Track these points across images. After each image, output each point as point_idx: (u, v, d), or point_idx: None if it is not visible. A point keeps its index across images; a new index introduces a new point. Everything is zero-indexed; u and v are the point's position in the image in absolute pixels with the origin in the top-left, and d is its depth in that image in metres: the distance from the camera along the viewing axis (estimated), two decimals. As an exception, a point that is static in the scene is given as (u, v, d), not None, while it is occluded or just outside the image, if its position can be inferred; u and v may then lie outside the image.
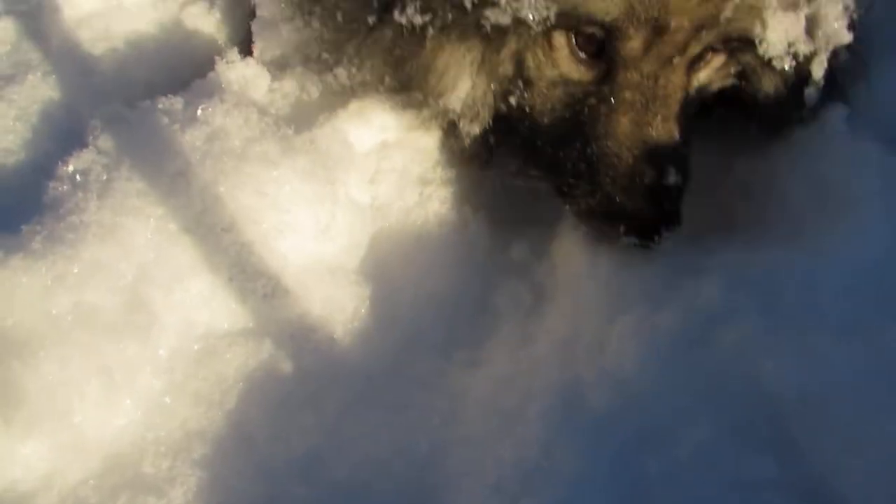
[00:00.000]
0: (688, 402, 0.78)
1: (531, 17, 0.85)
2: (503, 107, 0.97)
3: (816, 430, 0.72)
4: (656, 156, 0.89)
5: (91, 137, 0.89)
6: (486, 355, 0.94)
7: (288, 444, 0.81)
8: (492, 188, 1.10)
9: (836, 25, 0.90)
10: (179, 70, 1.12)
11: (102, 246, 0.79)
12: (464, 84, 0.94)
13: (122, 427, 0.78)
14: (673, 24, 0.84)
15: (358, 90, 1.02)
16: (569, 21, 0.87)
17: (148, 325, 0.80)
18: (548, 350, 0.91)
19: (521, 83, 0.94)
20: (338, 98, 1.05)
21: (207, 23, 1.19)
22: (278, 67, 1.09)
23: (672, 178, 0.89)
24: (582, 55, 0.90)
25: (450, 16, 0.88)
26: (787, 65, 0.91)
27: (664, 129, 0.90)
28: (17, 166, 1.04)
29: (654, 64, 0.88)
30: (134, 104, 0.96)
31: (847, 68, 0.99)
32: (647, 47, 0.86)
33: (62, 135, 1.01)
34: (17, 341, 0.74)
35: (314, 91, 1.06)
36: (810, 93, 0.96)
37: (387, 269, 1.00)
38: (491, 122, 0.99)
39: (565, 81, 0.93)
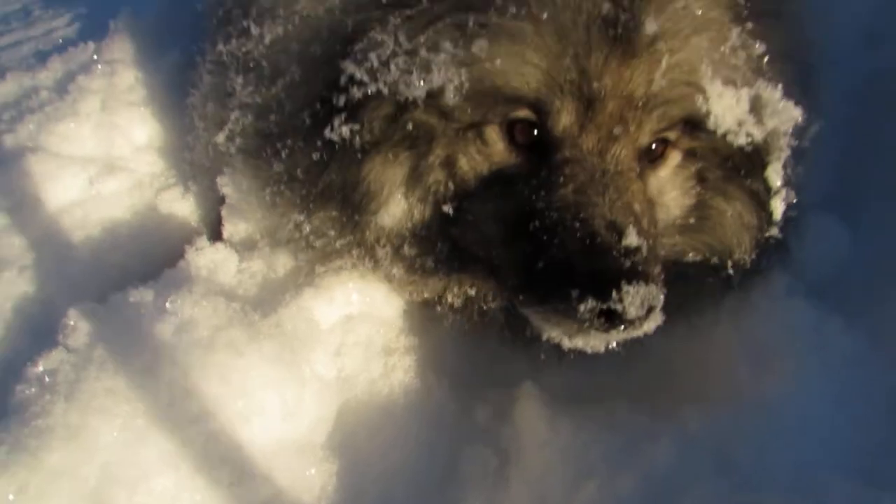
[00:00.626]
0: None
1: (458, 116, 0.87)
2: (437, 218, 0.96)
3: None
4: (612, 221, 0.85)
5: (62, 336, 0.93)
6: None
7: None
8: (454, 351, 1.15)
9: (780, 106, 0.90)
10: (153, 255, 1.18)
11: (66, 451, 0.80)
12: (395, 200, 0.95)
13: None
14: (600, 91, 0.85)
15: (316, 245, 1.06)
16: (496, 111, 0.88)
17: (111, 529, 0.79)
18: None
19: (452, 186, 0.94)
20: (303, 274, 1.11)
21: (181, 208, 1.26)
22: (246, 248, 1.16)
23: (632, 239, 0.83)
24: (518, 143, 0.91)
25: (375, 125, 0.90)
26: (744, 142, 0.91)
27: (620, 202, 0.86)
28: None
29: (594, 139, 0.88)
30: (106, 297, 1.00)
31: (789, 228, 1.03)
32: (582, 123, 0.87)
33: (35, 330, 1.04)
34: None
35: (280, 269, 1.12)
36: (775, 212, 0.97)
37: (354, 443, 1.01)
38: (428, 236, 0.98)
39: (501, 174, 0.92)
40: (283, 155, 1.01)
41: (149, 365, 0.88)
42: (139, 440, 0.84)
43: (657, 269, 0.84)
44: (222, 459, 0.89)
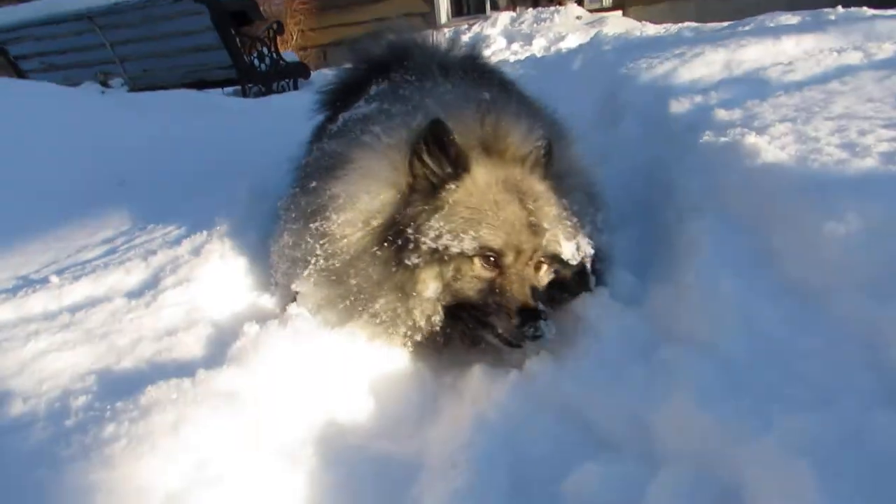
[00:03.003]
0: None
1: (464, 251, 1.86)
2: (448, 296, 1.93)
3: None
4: (529, 299, 1.88)
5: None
6: None
7: None
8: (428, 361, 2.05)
9: (587, 248, 1.98)
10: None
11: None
12: (433, 284, 1.91)
13: None
14: (525, 248, 1.89)
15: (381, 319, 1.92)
16: (481, 251, 1.87)
17: None
18: None
19: (457, 281, 1.91)
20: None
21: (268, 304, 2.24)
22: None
23: (538, 304, 1.87)
24: (488, 265, 1.91)
25: (426, 255, 1.87)
26: (575, 262, 1.96)
27: (531, 291, 1.91)
28: None
29: (520, 266, 1.92)
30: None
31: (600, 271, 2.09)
32: (515, 259, 1.90)
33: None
34: None
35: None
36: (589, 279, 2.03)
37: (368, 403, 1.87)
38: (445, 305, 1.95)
39: (479, 277, 1.92)
40: (353, 274, 1.92)
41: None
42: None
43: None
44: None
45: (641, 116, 3.39)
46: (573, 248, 1.95)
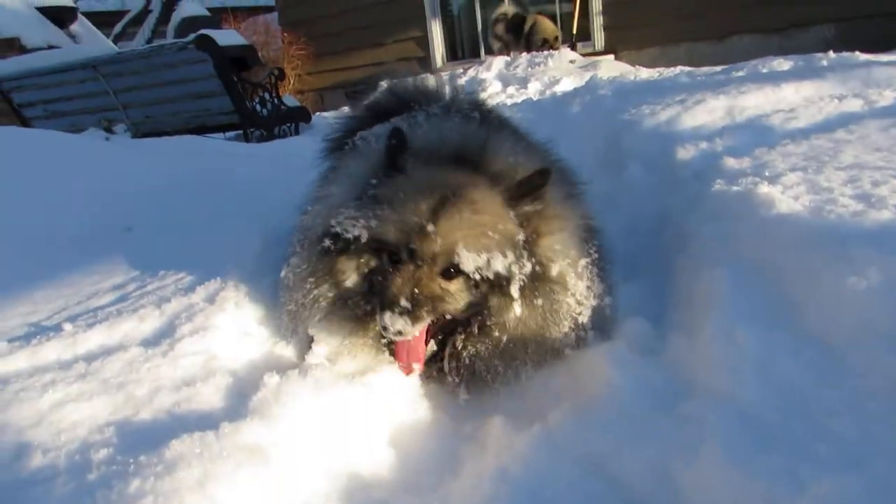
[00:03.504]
0: None
1: (359, 238, 1.90)
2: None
3: None
4: (398, 295, 1.85)
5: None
6: None
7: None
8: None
9: (500, 268, 1.86)
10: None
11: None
12: (352, 275, 1.97)
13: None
14: (415, 248, 1.86)
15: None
16: (373, 243, 1.90)
17: None
18: None
19: (371, 274, 1.94)
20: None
21: (286, 352, 2.23)
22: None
23: (402, 301, 1.84)
24: (391, 262, 1.91)
25: (341, 244, 1.94)
26: (479, 276, 1.85)
27: (411, 290, 1.85)
28: None
29: (414, 265, 1.86)
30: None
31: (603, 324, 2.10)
32: (409, 257, 1.87)
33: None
34: None
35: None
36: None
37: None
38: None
39: (373, 270, 1.93)
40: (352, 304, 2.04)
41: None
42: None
43: (415, 315, 1.86)
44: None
45: (647, 163, 3.44)
46: (478, 261, 1.85)
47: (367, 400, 1.91)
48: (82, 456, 1.65)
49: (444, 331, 2.05)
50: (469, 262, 1.85)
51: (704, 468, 1.52)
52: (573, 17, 13.01)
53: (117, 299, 2.82)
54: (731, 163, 2.59)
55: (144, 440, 1.67)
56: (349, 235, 1.92)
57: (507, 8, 13.71)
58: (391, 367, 2.03)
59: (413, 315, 1.85)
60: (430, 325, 1.98)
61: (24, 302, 2.99)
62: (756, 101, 3.64)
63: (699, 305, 2.03)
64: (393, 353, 2.05)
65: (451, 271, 1.90)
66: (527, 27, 13.23)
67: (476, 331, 2.00)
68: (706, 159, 2.85)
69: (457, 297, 1.93)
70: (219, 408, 1.85)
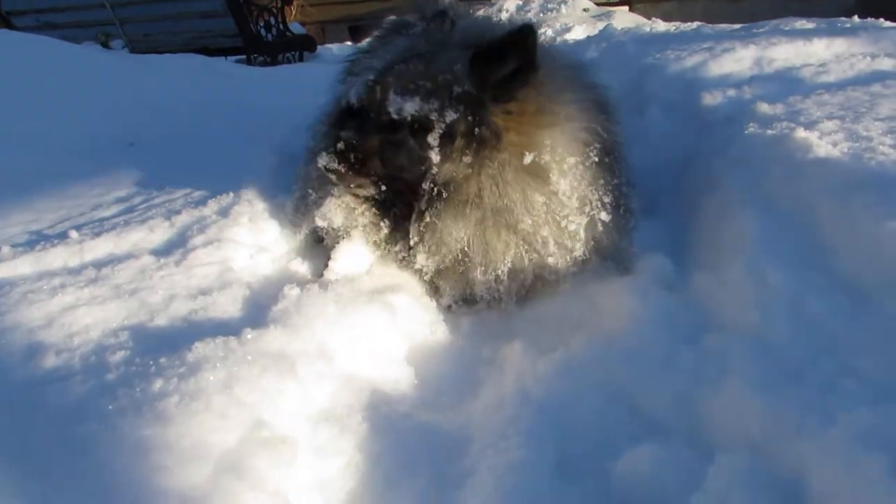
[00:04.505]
0: None
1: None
2: None
3: None
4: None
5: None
6: None
7: None
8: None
9: (412, 110, 1.85)
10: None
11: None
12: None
13: None
14: (364, 99, 1.91)
15: None
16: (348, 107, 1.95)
17: None
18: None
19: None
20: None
21: (301, 268, 2.20)
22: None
23: (339, 143, 1.92)
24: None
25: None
26: (397, 117, 1.85)
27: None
28: None
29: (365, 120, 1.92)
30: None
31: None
32: (372, 117, 1.91)
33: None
34: None
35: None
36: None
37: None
38: None
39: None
40: None
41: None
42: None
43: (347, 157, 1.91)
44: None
45: (669, 107, 3.37)
46: (399, 103, 1.85)
47: (387, 318, 1.88)
48: (98, 358, 1.61)
49: (403, 199, 2.01)
50: (393, 104, 1.85)
51: (729, 398, 1.51)
52: (590, -37, 12.61)
53: (124, 210, 2.75)
54: (763, 108, 2.52)
55: (163, 345, 1.63)
56: (343, 103, 1.94)
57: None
58: (411, 286, 2.01)
59: (345, 158, 1.89)
60: (388, 188, 1.98)
61: (24, 210, 2.91)
62: (786, 54, 3.54)
63: (726, 245, 2.00)
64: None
65: (390, 123, 1.89)
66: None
67: (434, 194, 1.92)
68: (736, 105, 2.78)
69: (395, 147, 1.90)
70: (238, 317, 1.82)
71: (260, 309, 1.83)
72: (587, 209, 1.95)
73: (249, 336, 1.58)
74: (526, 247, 1.95)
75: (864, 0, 9.63)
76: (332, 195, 2.05)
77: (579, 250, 1.99)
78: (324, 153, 1.89)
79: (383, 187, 1.96)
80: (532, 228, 1.92)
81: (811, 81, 2.97)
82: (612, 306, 1.96)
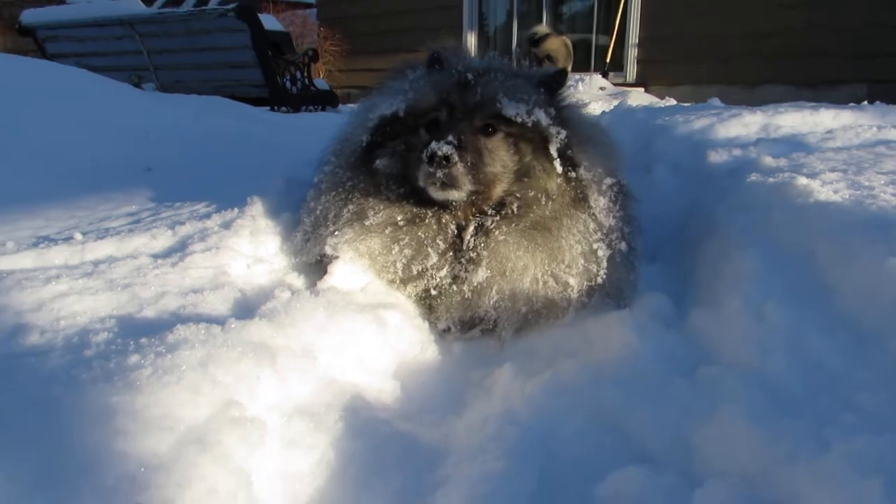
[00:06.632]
0: None
1: (400, 114, 1.97)
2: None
3: None
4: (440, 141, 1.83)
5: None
6: None
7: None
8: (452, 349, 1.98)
9: (541, 118, 1.94)
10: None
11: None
12: (385, 160, 2.05)
13: None
14: (455, 101, 1.92)
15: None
16: (415, 112, 1.95)
17: None
18: None
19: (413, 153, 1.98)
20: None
21: (296, 281, 2.18)
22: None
23: (444, 145, 1.82)
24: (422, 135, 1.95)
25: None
26: (521, 121, 1.90)
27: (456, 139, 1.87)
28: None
29: (454, 121, 1.90)
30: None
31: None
32: (449, 116, 1.93)
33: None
34: None
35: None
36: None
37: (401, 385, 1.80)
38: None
39: (409, 147, 1.99)
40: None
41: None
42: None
43: (455, 158, 1.81)
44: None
45: (676, 165, 3.41)
46: (519, 108, 1.86)
47: (377, 331, 1.84)
48: (81, 338, 1.59)
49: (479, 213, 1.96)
50: (510, 108, 1.84)
51: (722, 428, 1.45)
52: (608, 46, 13.07)
53: (130, 222, 2.78)
54: (767, 160, 2.55)
55: (146, 331, 1.61)
56: (387, 112, 1.91)
57: (542, 28, 13.78)
58: (405, 306, 1.98)
59: (459, 149, 1.79)
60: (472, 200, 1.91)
61: (36, 217, 2.96)
62: (793, 122, 3.61)
63: (726, 283, 1.97)
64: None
65: (490, 129, 1.88)
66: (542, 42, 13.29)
67: (514, 210, 1.91)
68: (740, 161, 2.81)
69: (497, 154, 1.88)
70: (225, 315, 1.80)
71: (249, 310, 1.81)
72: (614, 235, 1.96)
73: (234, 326, 1.55)
74: (549, 266, 1.94)
75: (875, 92, 9.88)
76: (365, 223, 2.02)
77: (601, 276, 1.97)
78: (434, 143, 1.80)
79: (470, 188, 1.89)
80: (571, 253, 1.93)
81: (818, 145, 3.00)
82: (607, 338, 1.92)
